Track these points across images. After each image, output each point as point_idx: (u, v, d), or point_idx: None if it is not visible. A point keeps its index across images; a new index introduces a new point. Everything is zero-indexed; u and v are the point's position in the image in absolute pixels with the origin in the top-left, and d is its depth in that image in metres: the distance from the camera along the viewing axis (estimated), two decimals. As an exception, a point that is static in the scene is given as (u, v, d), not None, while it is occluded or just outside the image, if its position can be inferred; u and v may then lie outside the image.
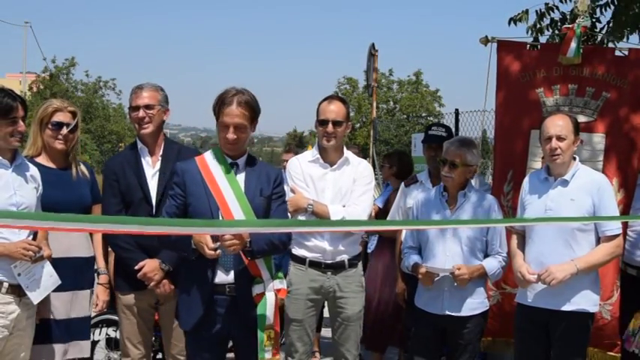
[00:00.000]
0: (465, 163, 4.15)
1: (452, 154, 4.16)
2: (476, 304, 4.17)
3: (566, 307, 3.87)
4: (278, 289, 3.57)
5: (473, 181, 4.35)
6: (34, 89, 34.56)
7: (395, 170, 6.10)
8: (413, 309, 4.40)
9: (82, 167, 4.12)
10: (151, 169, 4.09)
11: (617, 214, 4.01)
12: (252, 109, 3.58)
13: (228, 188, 3.55)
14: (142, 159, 4.09)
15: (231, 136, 3.54)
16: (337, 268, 4.26)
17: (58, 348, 3.94)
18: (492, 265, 4.15)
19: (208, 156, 3.68)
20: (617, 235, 3.92)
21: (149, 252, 3.99)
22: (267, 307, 3.51)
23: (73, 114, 4.04)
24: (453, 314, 4.13)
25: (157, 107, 4.09)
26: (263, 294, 3.52)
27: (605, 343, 4.54)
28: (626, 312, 4.58)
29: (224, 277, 3.54)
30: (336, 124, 4.25)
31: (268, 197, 3.63)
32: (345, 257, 4.27)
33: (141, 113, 4.04)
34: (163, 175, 4.04)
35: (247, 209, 3.52)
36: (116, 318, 4.96)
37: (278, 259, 3.70)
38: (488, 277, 4.21)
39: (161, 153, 4.12)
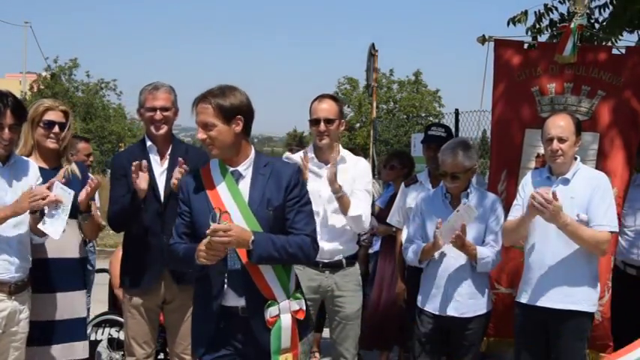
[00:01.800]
0: (465, 169, 4.12)
1: (450, 166, 4.09)
2: (479, 305, 4.14)
3: (566, 307, 3.86)
4: (295, 311, 3.19)
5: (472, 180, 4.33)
6: (35, 89, 34.46)
7: (407, 172, 5.99)
8: (413, 309, 4.40)
9: (74, 167, 4.06)
10: (160, 167, 4.11)
11: (611, 210, 3.93)
12: (220, 106, 3.08)
13: (231, 201, 3.16)
14: (151, 157, 4.11)
15: (200, 135, 3.13)
16: (335, 266, 4.25)
17: (54, 350, 3.88)
18: (484, 252, 4.08)
19: (212, 164, 3.28)
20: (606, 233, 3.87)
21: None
22: (282, 330, 3.14)
23: (65, 113, 4.00)
24: (456, 315, 4.11)
25: (172, 109, 4.12)
26: (277, 316, 3.15)
27: (597, 344, 4.48)
28: (623, 312, 4.58)
29: (236, 300, 3.17)
30: (327, 122, 4.23)
31: (278, 207, 3.17)
32: (342, 256, 4.27)
33: (158, 115, 4.05)
34: (171, 174, 4.04)
35: (253, 223, 3.12)
36: (118, 318, 5.01)
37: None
38: (476, 263, 4.09)
39: (169, 152, 4.14)
